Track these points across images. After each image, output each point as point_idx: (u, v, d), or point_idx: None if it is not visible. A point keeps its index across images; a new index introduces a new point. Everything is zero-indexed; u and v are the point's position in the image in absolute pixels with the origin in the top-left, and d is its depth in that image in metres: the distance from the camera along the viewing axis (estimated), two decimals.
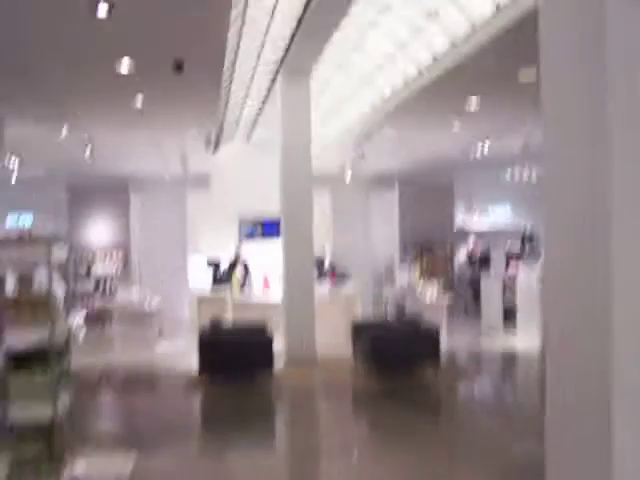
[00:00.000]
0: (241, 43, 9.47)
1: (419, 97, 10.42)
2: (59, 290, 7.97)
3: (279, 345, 10.99)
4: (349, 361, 11.25)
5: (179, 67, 7.94)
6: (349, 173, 17.95)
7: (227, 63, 9.17)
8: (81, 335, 9.13)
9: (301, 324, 11.58)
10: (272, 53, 11.13)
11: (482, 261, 18.51)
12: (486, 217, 20.44)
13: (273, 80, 12.37)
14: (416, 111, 11.64)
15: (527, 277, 14.40)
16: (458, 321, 16.54)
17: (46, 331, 5.27)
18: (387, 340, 10.51)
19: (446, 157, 16.31)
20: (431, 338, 10.52)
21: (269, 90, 13.15)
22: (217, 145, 16.18)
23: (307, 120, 12.14)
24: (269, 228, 17.30)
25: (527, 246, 18.97)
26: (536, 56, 3.25)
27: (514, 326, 14.76)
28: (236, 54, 9.84)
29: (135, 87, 9.27)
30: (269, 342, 10.32)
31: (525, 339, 13.79)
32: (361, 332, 11.00)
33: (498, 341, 14.13)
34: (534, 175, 19.35)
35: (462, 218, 20.26)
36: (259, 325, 11.12)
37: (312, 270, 12.11)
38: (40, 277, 5.86)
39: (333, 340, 12.21)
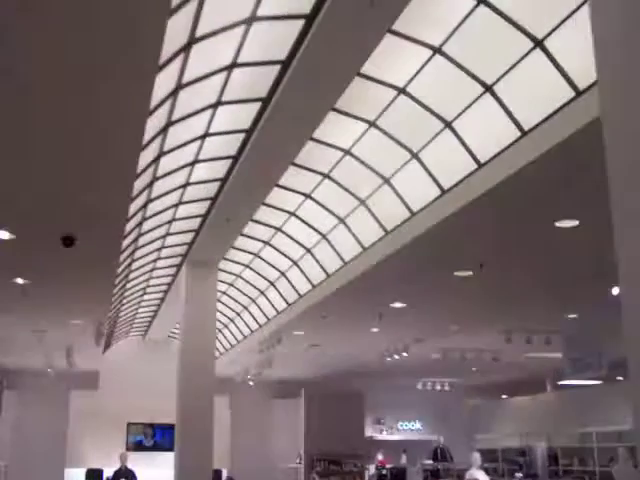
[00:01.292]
0: (143, 227, 8.55)
1: (339, 295, 9.50)
2: None
3: None
4: None
5: (69, 241, 6.70)
6: (252, 377, 16.70)
7: (123, 248, 8.07)
8: None
9: None
10: (176, 244, 10.23)
11: (396, 477, 16.98)
12: (396, 430, 19.70)
13: (177, 270, 11.42)
14: (332, 312, 10.64)
15: None
16: None
17: None
18: None
19: (359, 363, 15.20)
20: None
21: (170, 283, 12.14)
22: (109, 341, 14.74)
23: (212, 316, 11.19)
24: (160, 435, 15.87)
25: (440, 462, 17.67)
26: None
27: None
28: (135, 243, 8.88)
29: (17, 263, 7.87)
30: None
31: None
32: None
33: None
34: (446, 387, 18.61)
35: (372, 428, 19.29)
36: None
37: None
38: None
39: None
